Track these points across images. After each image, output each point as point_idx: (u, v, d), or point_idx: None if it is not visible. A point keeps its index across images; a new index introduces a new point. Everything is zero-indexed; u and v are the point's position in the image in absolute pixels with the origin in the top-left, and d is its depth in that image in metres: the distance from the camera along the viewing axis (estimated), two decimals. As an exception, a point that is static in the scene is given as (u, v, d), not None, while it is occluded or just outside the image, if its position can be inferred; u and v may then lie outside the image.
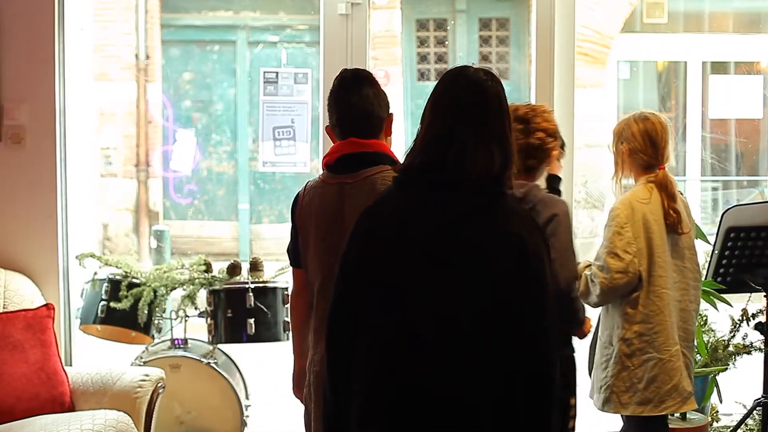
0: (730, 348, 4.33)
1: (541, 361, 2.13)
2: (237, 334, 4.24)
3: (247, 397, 4.41)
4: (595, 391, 3.41)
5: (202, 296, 4.39)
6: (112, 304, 4.25)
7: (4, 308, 3.99)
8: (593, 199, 8.43)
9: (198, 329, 4.50)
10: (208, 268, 4.40)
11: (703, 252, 3.86)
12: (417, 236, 2.18)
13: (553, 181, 3.07)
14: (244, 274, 4.35)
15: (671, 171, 3.41)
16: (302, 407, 2.92)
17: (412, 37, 9.40)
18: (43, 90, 4.27)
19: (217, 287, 4.29)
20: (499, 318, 2.10)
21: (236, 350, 4.48)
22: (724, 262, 3.82)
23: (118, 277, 4.31)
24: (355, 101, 2.79)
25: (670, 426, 3.54)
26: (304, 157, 5.78)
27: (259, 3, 9.44)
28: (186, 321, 4.36)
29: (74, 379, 3.89)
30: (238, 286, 4.26)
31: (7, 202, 4.27)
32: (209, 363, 4.21)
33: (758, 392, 3.97)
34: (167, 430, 4.19)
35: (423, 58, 9.42)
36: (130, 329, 4.31)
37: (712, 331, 4.38)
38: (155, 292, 4.32)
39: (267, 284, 4.27)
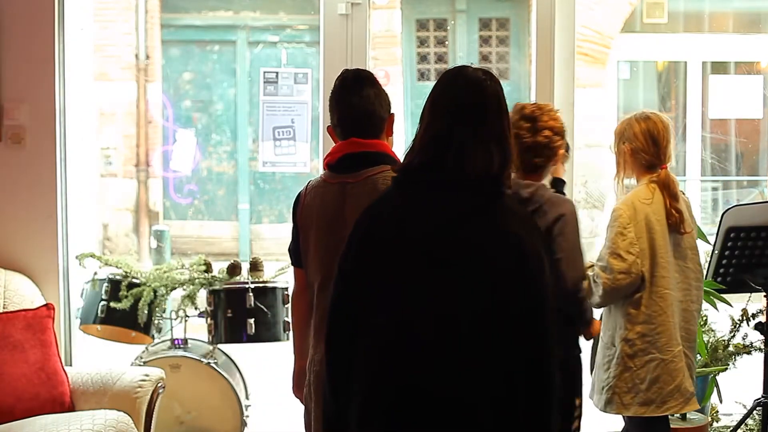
0: (730, 348, 4.33)
1: (541, 361, 2.12)
2: (237, 334, 4.24)
3: (247, 397, 4.41)
4: (596, 392, 3.40)
5: (202, 296, 4.39)
6: (112, 304, 4.25)
7: (4, 308, 3.99)
8: (593, 199, 8.43)
9: (198, 329, 4.50)
10: (208, 268, 4.40)
11: (703, 252, 3.85)
12: (416, 236, 2.18)
13: (558, 185, 3.08)
14: (244, 274, 4.35)
15: (671, 171, 3.40)
16: (302, 407, 2.92)
17: (412, 37, 9.40)
18: (43, 90, 4.27)
19: (217, 287, 4.29)
20: (498, 318, 2.10)
21: (236, 350, 4.48)
22: (724, 262, 3.82)
23: (118, 277, 4.31)
24: (356, 101, 2.80)
25: (670, 426, 3.54)
26: (304, 157, 5.78)
27: (259, 3, 9.44)
28: (186, 321, 4.36)
29: (74, 379, 3.89)
30: (238, 286, 4.26)
31: (7, 202, 4.27)
32: (209, 363, 4.21)
33: (758, 392, 3.97)
34: (167, 430, 4.19)
35: (423, 58, 9.42)
36: (130, 329, 4.31)
37: (712, 331, 4.38)
38: (155, 292, 4.32)
39: (267, 284, 4.27)
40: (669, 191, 3.32)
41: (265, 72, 5.63)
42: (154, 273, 4.41)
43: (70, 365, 4.33)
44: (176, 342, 4.35)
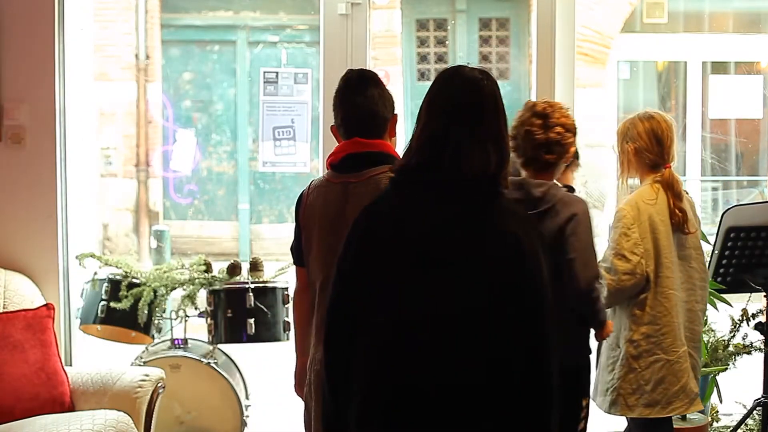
0: (730, 348, 4.32)
1: (540, 361, 2.12)
2: (237, 334, 4.23)
3: (247, 397, 4.41)
4: (600, 393, 3.37)
5: (202, 296, 4.38)
6: (112, 304, 4.25)
7: (4, 308, 3.99)
8: (593, 199, 8.42)
9: (198, 329, 4.50)
10: (208, 268, 4.39)
11: (704, 252, 3.86)
12: (413, 236, 2.18)
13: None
14: (244, 274, 4.35)
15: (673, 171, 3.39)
16: (301, 407, 2.92)
17: (412, 37, 9.40)
18: (43, 90, 4.27)
19: (217, 287, 4.29)
20: (496, 318, 2.10)
21: (236, 350, 4.47)
22: (724, 262, 3.82)
23: (118, 277, 4.31)
24: (360, 101, 2.80)
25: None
26: (304, 157, 5.78)
27: (259, 3, 9.44)
28: (186, 321, 4.36)
29: (74, 379, 3.89)
30: (238, 286, 4.25)
31: (7, 202, 4.26)
32: (209, 363, 4.20)
33: (758, 392, 3.97)
34: (167, 430, 4.19)
35: (423, 58, 9.42)
36: (130, 329, 4.30)
37: (712, 331, 4.38)
38: (155, 292, 4.32)
39: (267, 284, 4.27)
40: (673, 191, 3.31)
41: (265, 72, 5.62)
42: (154, 273, 4.40)
43: (70, 365, 4.32)
44: (176, 342, 4.35)
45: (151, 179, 9.30)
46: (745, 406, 4.30)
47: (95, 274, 4.35)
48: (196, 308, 4.39)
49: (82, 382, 3.87)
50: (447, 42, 9.43)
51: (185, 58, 9.42)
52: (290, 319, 4.14)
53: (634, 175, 3.41)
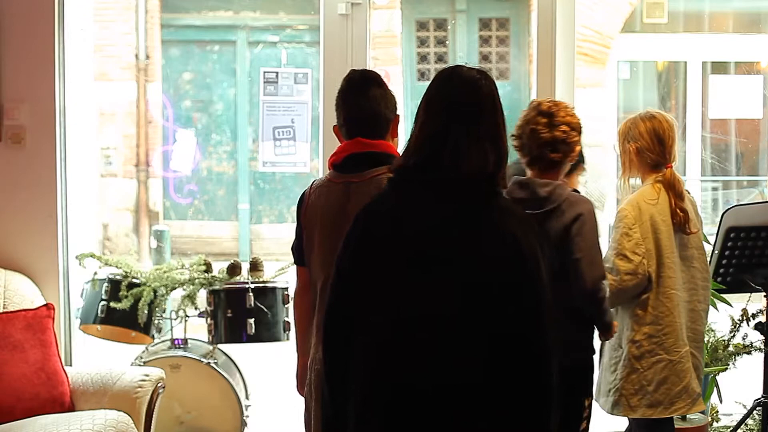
0: (730, 348, 4.32)
1: (539, 361, 2.12)
2: (237, 334, 4.24)
3: (247, 397, 4.41)
4: (602, 394, 3.36)
5: (202, 296, 4.39)
6: (112, 304, 4.25)
7: (4, 308, 3.99)
8: (593, 199, 8.42)
9: (198, 329, 4.50)
10: (208, 268, 4.39)
11: (704, 252, 3.86)
12: (411, 235, 2.18)
13: None
14: (244, 274, 4.35)
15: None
16: (302, 407, 2.92)
17: (412, 37, 9.40)
18: (43, 90, 4.27)
19: (217, 287, 4.29)
20: (494, 317, 2.10)
21: (236, 350, 4.48)
22: (724, 262, 3.82)
23: (118, 277, 4.31)
24: (362, 102, 2.81)
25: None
26: (304, 157, 5.78)
27: (259, 3, 9.44)
28: (186, 321, 4.36)
29: (74, 379, 3.89)
30: (238, 286, 4.25)
31: (7, 202, 4.26)
32: (209, 363, 4.20)
33: (758, 392, 3.97)
34: (167, 430, 4.19)
35: (423, 58, 9.42)
36: (130, 329, 4.30)
37: (712, 331, 4.37)
38: (155, 292, 4.32)
39: (267, 284, 4.27)
40: (674, 191, 3.31)
41: (265, 72, 5.62)
42: (154, 273, 4.40)
43: (70, 365, 4.33)
44: (176, 342, 4.35)
45: (151, 179, 9.30)
46: (745, 406, 4.30)
47: (95, 274, 4.35)
48: (196, 308, 4.39)
49: (82, 382, 3.87)
50: (447, 42, 9.42)
51: (185, 58, 9.42)
52: (290, 319, 4.15)
53: (636, 174, 3.41)
